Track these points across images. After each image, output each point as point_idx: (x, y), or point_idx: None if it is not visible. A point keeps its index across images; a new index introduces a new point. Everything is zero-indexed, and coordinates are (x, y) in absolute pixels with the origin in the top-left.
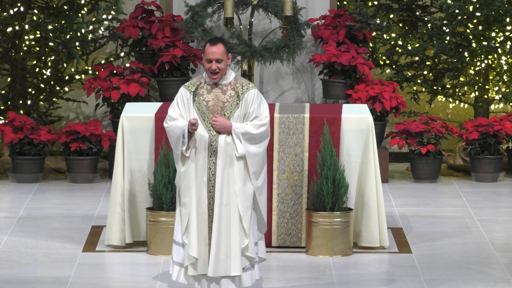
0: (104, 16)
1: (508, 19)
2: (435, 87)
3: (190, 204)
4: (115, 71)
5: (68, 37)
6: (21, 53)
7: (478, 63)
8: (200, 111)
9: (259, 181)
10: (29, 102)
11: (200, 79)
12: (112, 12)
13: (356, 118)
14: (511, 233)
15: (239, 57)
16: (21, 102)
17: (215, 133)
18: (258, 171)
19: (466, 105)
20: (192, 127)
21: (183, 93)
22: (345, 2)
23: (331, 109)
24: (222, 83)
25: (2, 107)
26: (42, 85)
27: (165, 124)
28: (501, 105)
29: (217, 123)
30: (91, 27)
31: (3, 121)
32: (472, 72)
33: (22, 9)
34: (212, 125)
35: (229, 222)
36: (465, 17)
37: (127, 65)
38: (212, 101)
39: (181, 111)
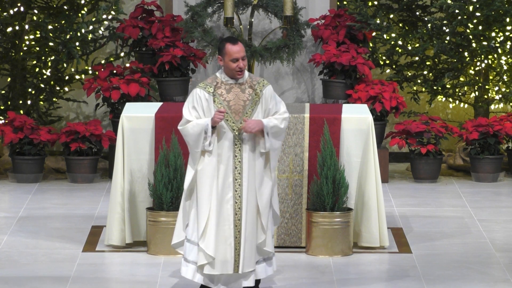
0: (104, 16)
1: (508, 19)
2: (435, 87)
3: (209, 205)
4: (115, 71)
5: (68, 37)
6: (21, 53)
7: (478, 63)
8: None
9: (275, 176)
10: (29, 102)
11: (215, 79)
12: (112, 12)
13: (356, 118)
14: (511, 233)
15: None
16: (21, 102)
17: (238, 132)
18: (276, 165)
19: (466, 105)
20: (219, 115)
21: (200, 95)
22: (345, 2)
23: (331, 109)
24: (240, 81)
25: (2, 107)
26: (42, 85)
27: (180, 127)
28: (501, 105)
29: (251, 125)
30: (91, 27)
31: (3, 121)
32: (472, 72)
33: (22, 9)
34: (244, 130)
35: (253, 218)
36: (465, 17)
37: (127, 65)
38: (233, 101)
39: (199, 113)
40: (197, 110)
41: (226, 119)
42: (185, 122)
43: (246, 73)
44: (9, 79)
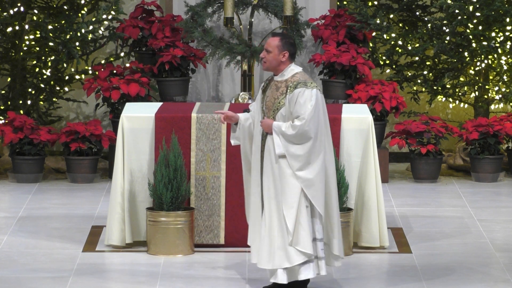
0: (104, 16)
1: (508, 19)
2: (435, 87)
3: (248, 196)
4: (115, 71)
5: (68, 37)
6: (21, 53)
7: (478, 63)
8: (263, 108)
9: (307, 175)
10: (29, 102)
11: (273, 75)
12: (112, 12)
13: (356, 118)
14: (511, 233)
15: (239, 57)
16: (21, 102)
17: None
18: (304, 168)
19: (466, 105)
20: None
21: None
22: (345, 2)
23: (331, 109)
24: (279, 79)
25: (2, 107)
26: (42, 85)
27: None
28: (501, 105)
29: (262, 123)
30: (91, 27)
31: (3, 121)
32: (472, 72)
33: (22, 9)
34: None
35: (272, 217)
36: (465, 17)
37: (127, 65)
38: (269, 97)
39: (255, 105)
40: (255, 103)
41: (262, 115)
42: None
43: (292, 72)
44: (9, 79)
